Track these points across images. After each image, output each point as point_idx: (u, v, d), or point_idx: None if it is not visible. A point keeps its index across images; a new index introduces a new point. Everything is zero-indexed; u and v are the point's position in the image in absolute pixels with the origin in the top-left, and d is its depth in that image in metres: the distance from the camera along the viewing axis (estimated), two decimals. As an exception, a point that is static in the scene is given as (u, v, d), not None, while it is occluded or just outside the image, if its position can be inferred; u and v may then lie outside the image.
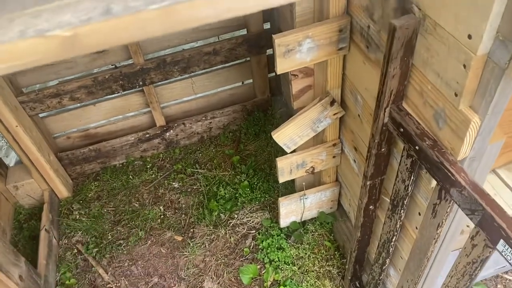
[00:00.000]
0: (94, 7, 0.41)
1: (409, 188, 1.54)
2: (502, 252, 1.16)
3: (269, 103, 3.31)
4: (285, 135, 2.04)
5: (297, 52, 1.72)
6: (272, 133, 2.03)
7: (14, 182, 2.87)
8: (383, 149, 1.62)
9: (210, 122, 3.25)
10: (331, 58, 1.82)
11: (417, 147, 1.38)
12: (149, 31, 0.42)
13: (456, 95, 1.20)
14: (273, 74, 3.31)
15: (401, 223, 1.70)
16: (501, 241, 1.15)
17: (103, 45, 0.41)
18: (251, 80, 3.27)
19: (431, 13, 1.20)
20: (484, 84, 1.14)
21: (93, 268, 2.67)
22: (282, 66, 1.74)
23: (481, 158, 1.36)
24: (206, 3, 0.39)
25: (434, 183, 1.45)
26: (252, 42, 2.88)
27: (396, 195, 1.63)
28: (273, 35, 1.66)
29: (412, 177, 1.50)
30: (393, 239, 1.78)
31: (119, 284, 2.61)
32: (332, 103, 1.99)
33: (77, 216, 2.91)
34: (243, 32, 2.96)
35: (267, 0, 0.46)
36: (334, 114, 2.04)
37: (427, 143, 1.34)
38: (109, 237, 2.81)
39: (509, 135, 2.38)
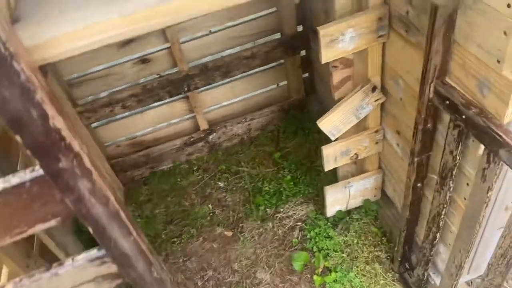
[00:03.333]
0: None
1: (457, 158, 1.64)
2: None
3: (304, 102, 3.45)
4: (330, 123, 2.17)
5: (340, 42, 1.86)
6: (317, 122, 2.16)
7: (72, 188, 3.07)
8: (428, 125, 1.73)
9: (249, 124, 3.40)
10: (371, 46, 1.95)
11: (464, 116, 1.49)
12: None
13: (498, 61, 1.31)
14: (307, 74, 3.45)
15: (450, 195, 1.79)
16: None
17: None
18: (285, 82, 3.42)
19: (470, -11, 1.32)
20: (525, 48, 1.25)
21: (150, 265, 2.83)
22: (326, 56, 1.88)
23: (525, 121, 1.46)
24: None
25: (481, 150, 1.55)
26: (287, 44, 3.04)
27: (445, 168, 1.72)
28: (317, 27, 1.81)
29: (459, 147, 1.60)
30: (443, 212, 1.87)
31: (176, 279, 2.76)
32: (373, 89, 2.11)
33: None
34: (278, 36, 3.13)
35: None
36: (376, 100, 2.15)
37: (473, 111, 1.45)
38: (163, 236, 2.97)
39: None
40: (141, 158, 3.31)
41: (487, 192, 1.53)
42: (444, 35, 1.45)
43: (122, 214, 0.67)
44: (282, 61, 3.25)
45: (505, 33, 1.24)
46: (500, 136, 1.36)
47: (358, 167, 2.63)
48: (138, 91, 2.91)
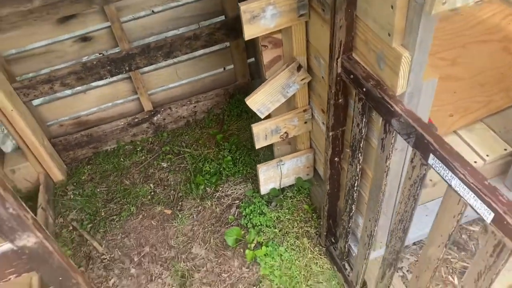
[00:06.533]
0: None
1: (363, 130, 1.74)
2: (432, 165, 1.36)
3: (250, 86, 3.51)
4: (258, 101, 2.24)
5: (261, 18, 1.92)
6: (245, 99, 2.23)
7: (11, 166, 3.04)
8: (340, 100, 1.83)
9: (195, 106, 3.45)
10: (295, 25, 2.02)
11: (364, 89, 1.59)
12: None
13: (389, 35, 1.41)
14: (253, 59, 3.52)
15: (360, 167, 1.90)
16: (431, 155, 1.35)
17: None
18: (232, 66, 3.47)
19: (365, -34, 1.41)
20: (409, 23, 1.35)
21: (87, 242, 2.85)
22: (248, 32, 1.95)
23: (419, 95, 1.57)
24: None
25: (381, 121, 1.66)
26: (230, 26, 3.09)
27: (354, 140, 1.82)
28: (238, 3, 1.87)
29: (364, 119, 1.70)
30: (356, 184, 1.97)
31: (112, 255, 2.78)
32: (298, 68, 2.19)
33: (72, 196, 3.09)
34: (222, 18, 3.18)
35: None
36: (302, 80, 2.24)
37: (371, 83, 1.55)
38: (102, 213, 2.98)
39: (468, 100, 2.61)
40: (85, 138, 3.30)
41: (386, 161, 1.64)
42: (346, 10, 1.54)
43: None
44: (227, 44, 3.30)
45: (392, 6, 1.34)
46: (392, 106, 1.46)
47: (293, 147, 2.72)
48: (78, 69, 2.90)
